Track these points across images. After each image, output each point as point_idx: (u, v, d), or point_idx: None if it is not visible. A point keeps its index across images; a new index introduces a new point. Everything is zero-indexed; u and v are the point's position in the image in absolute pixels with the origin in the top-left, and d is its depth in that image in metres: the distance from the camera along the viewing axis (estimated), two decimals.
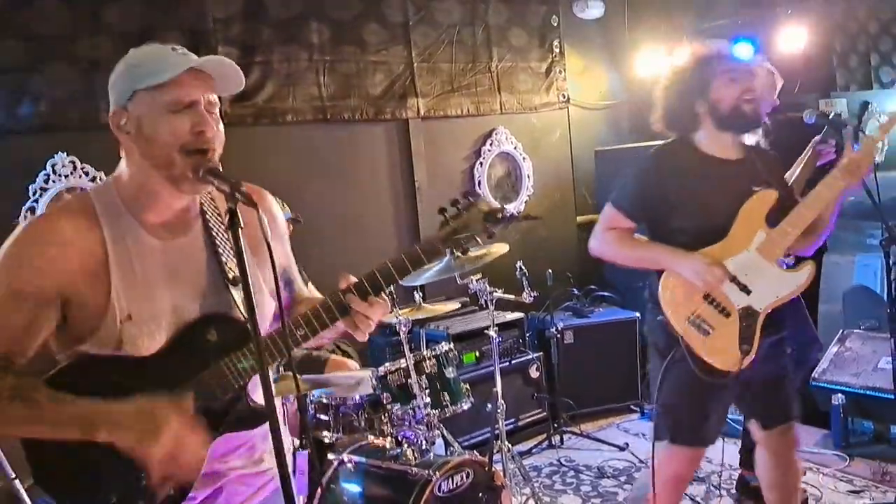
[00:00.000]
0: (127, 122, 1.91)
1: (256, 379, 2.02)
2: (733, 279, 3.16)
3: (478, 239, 2.01)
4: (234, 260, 1.98)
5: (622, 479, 5.12)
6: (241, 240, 1.74)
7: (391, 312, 4.18)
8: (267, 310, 2.12)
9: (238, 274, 1.91)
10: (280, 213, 2.27)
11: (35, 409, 1.85)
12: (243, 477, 2.17)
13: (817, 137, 4.28)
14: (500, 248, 4.55)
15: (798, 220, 3.15)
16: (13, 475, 3.43)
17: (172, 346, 1.98)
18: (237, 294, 2.04)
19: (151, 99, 1.88)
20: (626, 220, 3.33)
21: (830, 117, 3.95)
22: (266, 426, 2.01)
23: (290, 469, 2.07)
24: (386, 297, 2.05)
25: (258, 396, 2.03)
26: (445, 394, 4.10)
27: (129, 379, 1.93)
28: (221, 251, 2.07)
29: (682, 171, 3.27)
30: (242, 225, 1.74)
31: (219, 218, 2.10)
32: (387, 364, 4.10)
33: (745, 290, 3.15)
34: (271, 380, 4.35)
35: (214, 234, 2.08)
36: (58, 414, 1.86)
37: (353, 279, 2.04)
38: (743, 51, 6.62)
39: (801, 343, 4.79)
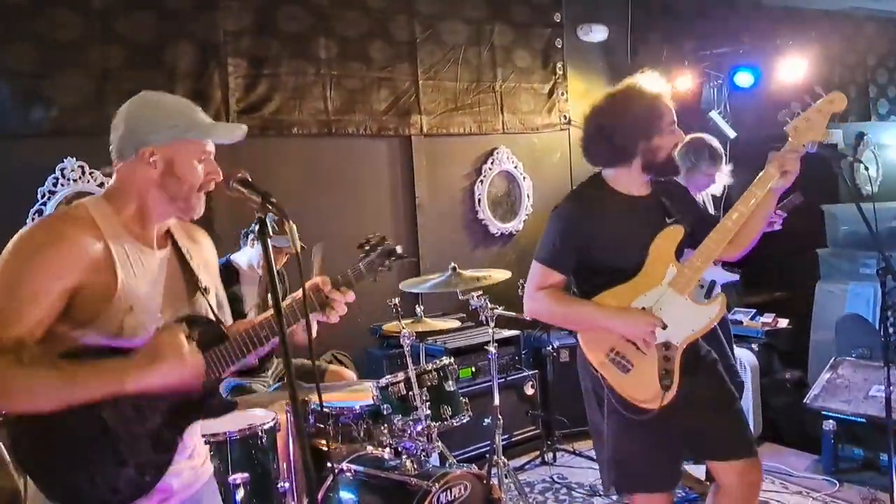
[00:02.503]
0: (157, 159, 2.21)
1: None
2: None
3: (382, 270, 2.60)
4: (206, 272, 2.44)
5: (613, 497, 5.16)
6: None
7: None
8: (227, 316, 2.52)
9: (207, 285, 2.40)
10: (212, 246, 2.60)
11: (65, 371, 2.04)
12: (191, 474, 2.39)
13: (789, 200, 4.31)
14: (503, 274, 4.62)
15: (707, 253, 3.14)
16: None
17: None
18: (208, 301, 2.40)
19: (187, 148, 2.24)
20: (555, 274, 3.21)
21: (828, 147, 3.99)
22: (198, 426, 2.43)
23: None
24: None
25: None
26: (446, 407, 4.14)
27: None
28: (192, 265, 2.39)
29: (599, 211, 3.22)
30: (272, 233, 1.84)
31: (184, 238, 2.43)
32: (388, 376, 4.15)
33: (661, 325, 3.10)
34: (271, 388, 4.42)
35: (182, 250, 2.39)
36: (87, 371, 2.06)
37: (328, 279, 2.48)
38: (743, 79, 6.76)
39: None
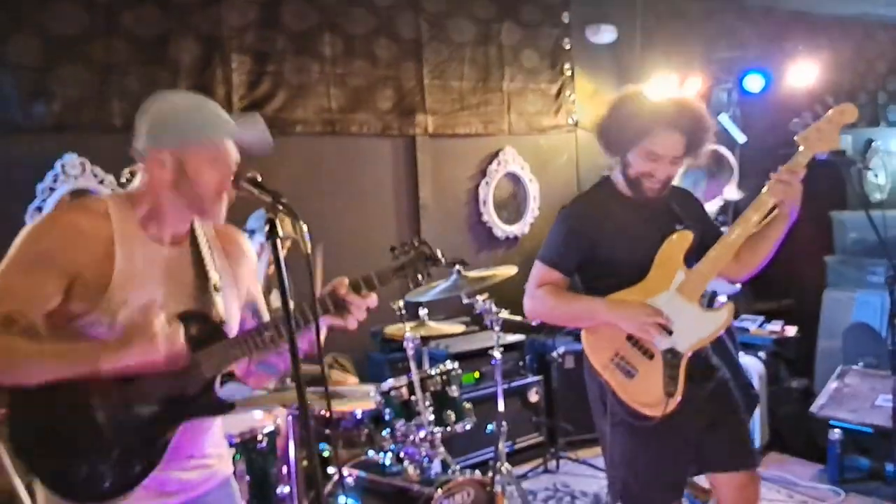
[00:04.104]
0: (168, 161, 2.20)
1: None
2: None
3: (419, 276, 2.45)
4: (224, 275, 2.41)
5: None
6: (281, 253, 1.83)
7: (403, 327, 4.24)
8: (234, 321, 2.44)
9: (218, 282, 2.36)
10: (251, 250, 2.60)
11: (44, 346, 2.11)
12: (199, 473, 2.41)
13: None
14: (509, 270, 4.56)
15: (716, 260, 3.11)
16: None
17: None
18: (218, 299, 2.35)
19: (201, 151, 2.22)
20: (556, 273, 3.21)
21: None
22: (213, 429, 2.45)
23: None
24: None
25: (219, 391, 2.37)
26: (449, 412, 4.10)
27: None
28: (206, 262, 2.37)
29: (605, 213, 3.21)
30: (282, 235, 1.82)
31: (212, 237, 2.44)
32: (391, 380, 4.10)
33: (667, 330, 3.07)
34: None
35: (201, 248, 2.38)
36: (64, 349, 2.11)
37: (347, 280, 2.37)
38: (753, 83, 6.70)
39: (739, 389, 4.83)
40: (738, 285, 4.69)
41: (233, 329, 2.41)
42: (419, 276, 2.45)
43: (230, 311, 2.41)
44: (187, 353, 2.20)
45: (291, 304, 2.10)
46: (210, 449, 2.44)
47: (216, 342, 2.29)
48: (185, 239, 2.37)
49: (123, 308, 2.16)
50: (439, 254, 2.45)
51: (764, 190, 3.09)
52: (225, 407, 2.37)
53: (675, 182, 3.32)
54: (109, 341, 2.12)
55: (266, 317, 2.60)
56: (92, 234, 2.16)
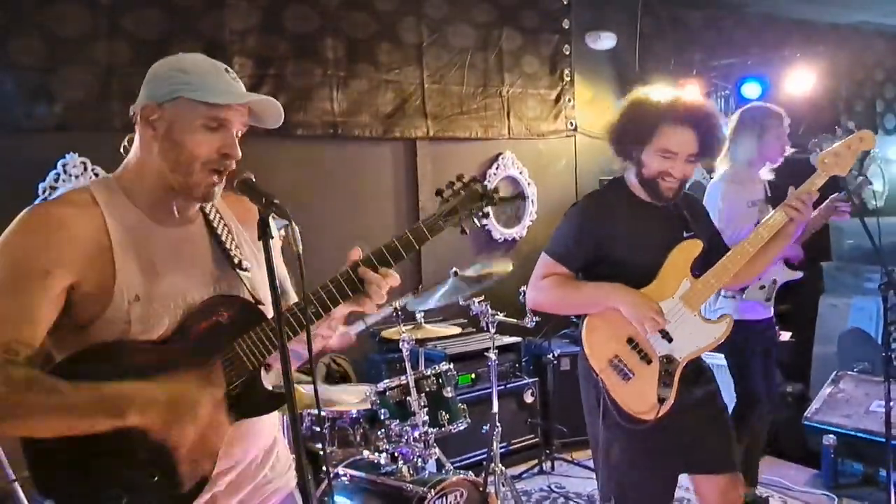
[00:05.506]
0: (158, 119, 1.93)
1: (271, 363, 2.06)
2: None
3: (475, 219, 2.11)
4: (245, 248, 2.14)
5: None
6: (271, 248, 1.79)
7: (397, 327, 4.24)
8: (267, 300, 2.10)
9: (243, 259, 2.08)
10: (273, 223, 2.23)
11: (56, 397, 1.77)
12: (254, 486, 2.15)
13: (839, 194, 4.33)
14: (505, 267, 4.59)
15: (723, 272, 3.15)
16: (13, 477, 3.43)
17: (183, 329, 1.97)
18: (245, 277, 2.07)
19: (192, 109, 1.92)
20: (562, 268, 3.21)
21: None
22: (264, 430, 2.15)
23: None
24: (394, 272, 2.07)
25: (268, 382, 2.08)
26: (444, 413, 4.11)
27: (140, 365, 1.89)
28: (224, 238, 2.10)
29: (616, 214, 3.22)
30: (274, 235, 1.81)
31: (227, 212, 2.16)
32: (386, 380, 4.12)
33: (667, 337, 3.12)
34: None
35: (214, 224, 2.11)
36: (82, 399, 1.78)
37: (362, 254, 2.07)
38: (751, 90, 6.73)
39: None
40: (800, 274, 4.68)
41: (268, 310, 2.06)
42: (473, 220, 2.10)
43: (261, 289, 2.10)
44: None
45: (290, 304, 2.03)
46: (264, 456, 2.17)
47: (254, 326, 2.00)
48: (197, 216, 2.09)
49: (135, 306, 1.89)
50: (491, 189, 2.11)
51: (777, 211, 3.14)
52: (277, 399, 2.08)
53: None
54: (143, 391, 1.82)
55: (293, 296, 2.32)
56: (81, 231, 1.88)
